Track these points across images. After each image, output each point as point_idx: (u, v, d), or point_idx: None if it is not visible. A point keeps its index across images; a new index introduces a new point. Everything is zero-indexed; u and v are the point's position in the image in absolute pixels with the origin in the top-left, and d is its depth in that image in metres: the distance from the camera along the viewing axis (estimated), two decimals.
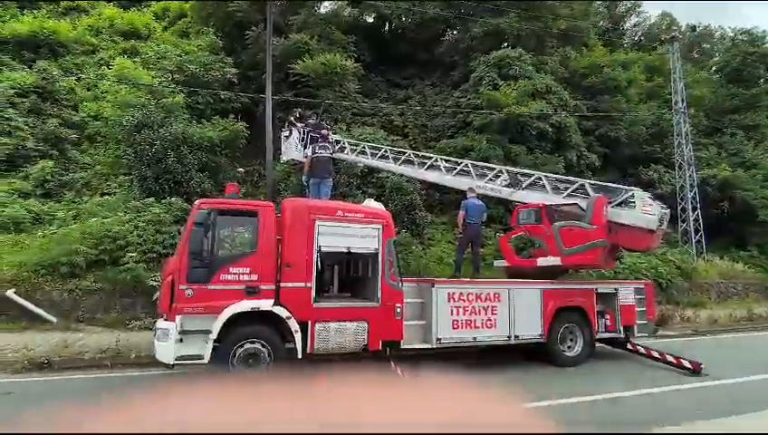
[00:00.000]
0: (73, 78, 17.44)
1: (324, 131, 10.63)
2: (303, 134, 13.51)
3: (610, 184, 8.63)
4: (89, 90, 17.46)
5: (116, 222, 10.60)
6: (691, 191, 19.55)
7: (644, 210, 7.45)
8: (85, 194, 13.43)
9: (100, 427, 0.65)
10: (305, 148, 13.16)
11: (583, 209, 7.94)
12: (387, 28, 25.61)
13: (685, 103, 20.93)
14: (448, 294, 7.10)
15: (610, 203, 7.82)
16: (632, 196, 7.69)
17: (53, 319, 9.30)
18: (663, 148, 22.20)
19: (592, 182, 8.55)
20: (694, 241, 18.96)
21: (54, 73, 16.50)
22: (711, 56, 36.12)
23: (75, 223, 11.27)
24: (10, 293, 9.15)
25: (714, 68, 32.30)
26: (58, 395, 5.97)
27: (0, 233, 11.01)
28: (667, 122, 22.25)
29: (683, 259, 16.22)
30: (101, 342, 7.83)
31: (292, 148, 14.06)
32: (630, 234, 7.62)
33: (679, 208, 19.26)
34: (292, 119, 14.42)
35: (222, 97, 16.44)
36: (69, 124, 15.54)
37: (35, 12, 20.75)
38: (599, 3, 31.31)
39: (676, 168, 20.22)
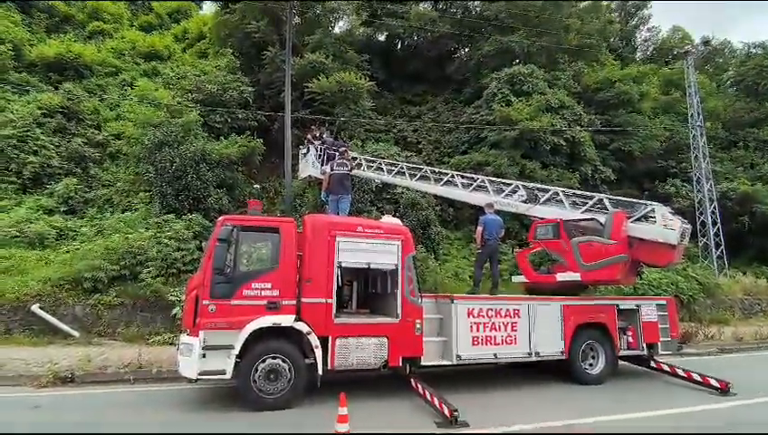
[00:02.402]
0: (97, 99, 18.03)
1: (342, 149, 10.79)
2: (320, 151, 13.75)
3: (630, 199, 8.57)
4: (111, 110, 18.03)
5: (138, 238, 10.82)
6: (710, 205, 19.24)
7: (665, 225, 7.37)
8: (107, 211, 13.76)
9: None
10: (322, 165, 13.38)
11: (602, 224, 7.90)
12: (399, 46, 26.08)
13: (701, 117, 20.76)
14: (468, 310, 7.05)
15: (630, 218, 7.76)
16: (652, 210, 7.61)
17: (76, 333, 9.48)
18: (679, 162, 21.98)
19: (611, 197, 8.50)
20: (715, 256, 18.58)
21: (79, 94, 17.10)
22: (724, 70, 35.87)
23: (98, 239, 11.53)
24: (35, 307, 9.37)
25: (728, 81, 32.06)
26: (85, 409, 6.04)
27: (26, 248, 11.32)
28: (681, 136, 22.07)
29: (705, 275, 15.88)
30: (123, 356, 7.93)
31: (309, 165, 14.30)
32: (651, 249, 7.53)
33: (698, 223, 18.95)
34: (309, 136, 14.70)
35: (239, 115, 16.83)
36: (92, 143, 16.02)
37: (62, 36, 21.63)
38: (611, 14, 31.23)
39: (694, 182, 19.96)
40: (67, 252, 11.17)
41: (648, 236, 7.49)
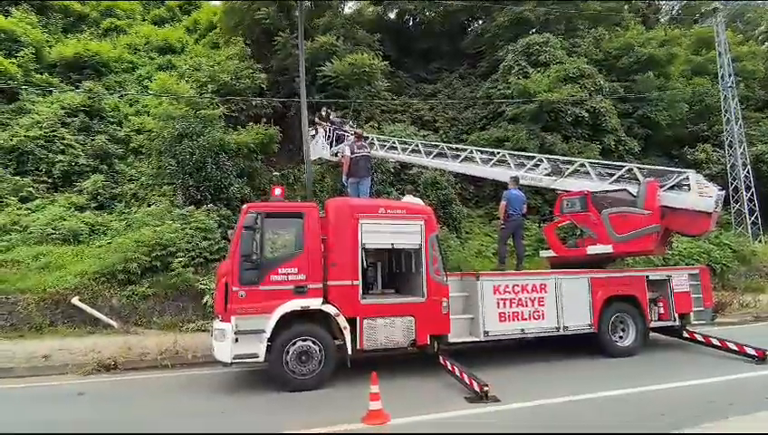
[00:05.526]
0: (117, 95, 18.32)
1: (359, 130, 10.72)
2: (329, 132, 13.75)
3: (661, 167, 8.30)
4: (131, 105, 18.31)
5: (166, 230, 11.09)
6: (743, 170, 18.43)
7: (700, 192, 7.12)
8: (133, 205, 14.11)
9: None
10: (332, 146, 13.39)
11: (633, 195, 7.68)
12: (410, 23, 25.48)
13: (733, 78, 19.69)
14: (494, 286, 7.03)
15: (662, 187, 7.52)
16: (686, 178, 7.36)
17: (114, 323, 9.86)
18: (710, 126, 21.03)
19: (641, 166, 8.25)
20: (749, 222, 17.89)
21: (99, 92, 17.39)
22: (756, 26, 33.79)
23: (127, 232, 11.87)
24: (75, 300, 9.78)
25: (760, 37, 30.28)
26: (132, 395, 6.35)
27: (62, 245, 11.74)
28: (710, 98, 21.03)
29: (739, 242, 15.33)
30: (160, 344, 8.21)
31: (319, 147, 14.33)
32: (685, 218, 7.31)
33: (731, 189, 18.22)
34: (316, 119, 14.67)
35: (254, 103, 16.83)
36: (115, 139, 16.34)
37: (78, 35, 21.94)
38: None
39: (726, 146, 19.10)
40: (100, 246, 11.54)
41: (683, 204, 7.28)
